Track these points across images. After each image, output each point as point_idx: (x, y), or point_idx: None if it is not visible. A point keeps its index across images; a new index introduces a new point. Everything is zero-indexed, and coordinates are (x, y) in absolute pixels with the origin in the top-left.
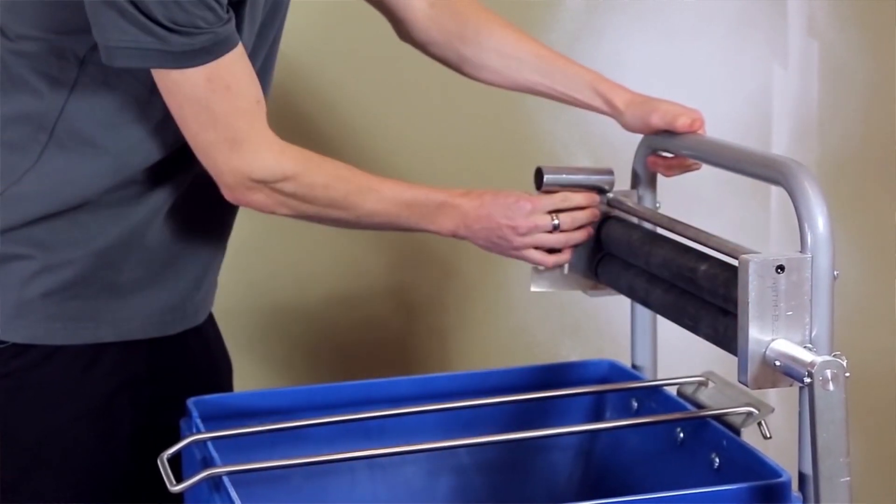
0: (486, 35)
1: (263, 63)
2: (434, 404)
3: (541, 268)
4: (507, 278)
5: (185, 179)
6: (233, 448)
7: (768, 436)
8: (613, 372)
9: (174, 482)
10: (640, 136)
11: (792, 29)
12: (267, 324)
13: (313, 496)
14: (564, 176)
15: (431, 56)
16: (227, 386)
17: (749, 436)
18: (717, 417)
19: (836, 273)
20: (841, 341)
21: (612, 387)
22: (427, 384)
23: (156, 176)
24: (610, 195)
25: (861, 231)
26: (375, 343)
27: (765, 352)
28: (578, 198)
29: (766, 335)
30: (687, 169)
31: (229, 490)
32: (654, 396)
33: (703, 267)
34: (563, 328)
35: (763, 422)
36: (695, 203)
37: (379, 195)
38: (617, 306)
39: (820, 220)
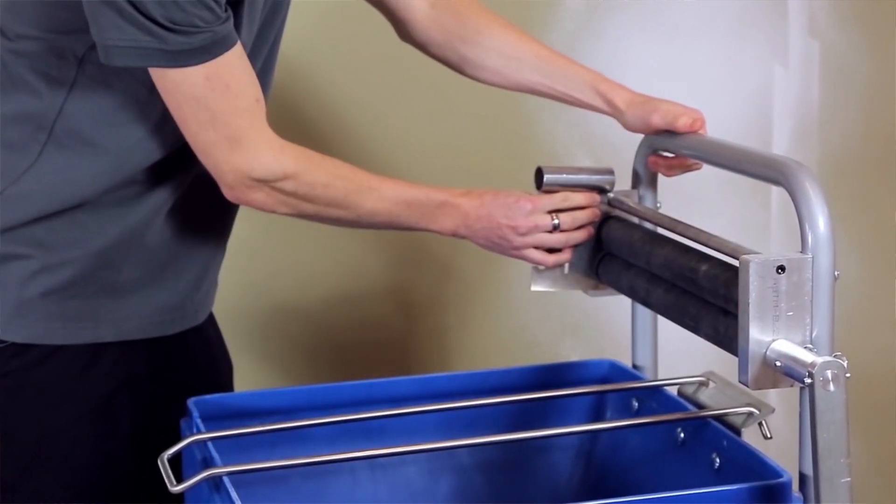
0: (487, 35)
1: (264, 63)
2: (434, 404)
3: (541, 267)
4: (507, 278)
5: (184, 179)
6: (233, 448)
7: (769, 436)
8: (614, 372)
9: (174, 482)
10: (640, 136)
11: (792, 29)
12: (267, 324)
13: (314, 496)
14: (565, 176)
15: (432, 56)
16: (227, 386)
17: (749, 436)
18: (718, 418)
19: (836, 273)
20: (841, 342)
21: (612, 387)
22: (427, 384)
23: (155, 176)
24: (611, 195)
25: (861, 231)
26: (376, 343)
27: (765, 352)
28: (579, 197)
29: (767, 335)
30: (688, 169)
31: (230, 490)
32: (654, 396)
33: (703, 267)
34: (563, 328)
35: (764, 422)
36: (695, 203)
37: (379, 194)
38: (617, 306)
39: (821, 221)
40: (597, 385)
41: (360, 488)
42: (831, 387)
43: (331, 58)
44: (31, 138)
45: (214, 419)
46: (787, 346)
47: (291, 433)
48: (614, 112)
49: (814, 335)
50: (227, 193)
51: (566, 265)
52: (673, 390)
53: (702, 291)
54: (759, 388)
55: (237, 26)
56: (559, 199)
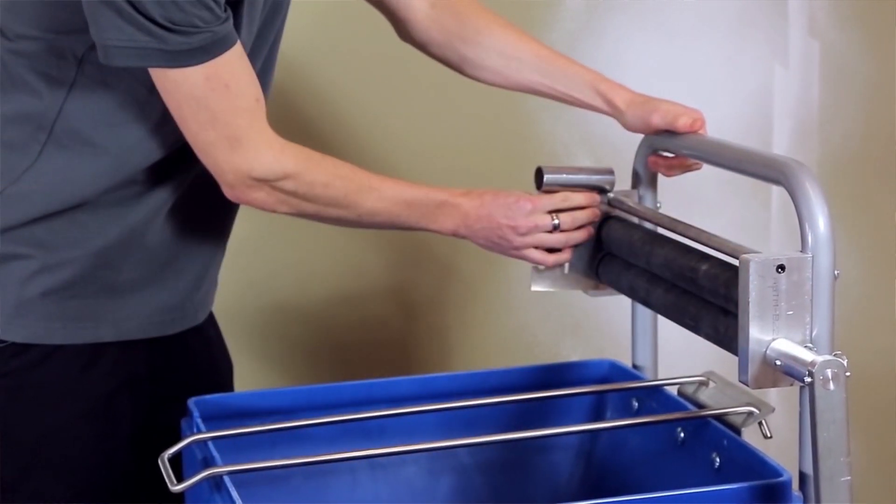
0: (487, 35)
1: (264, 64)
2: (434, 404)
3: (541, 267)
4: (507, 278)
5: (184, 179)
6: (233, 448)
7: (769, 435)
8: (614, 372)
9: (175, 482)
10: (640, 136)
11: (793, 29)
12: (267, 323)
13: (314, 496)
14: (565, 176)
15: (432, 56)
16: (227, 386)
17: (750, 435)
18: (718, 417)
19: (836, 273)
20: (841, 341)
21: (612, 386)
22: (427, 384)
23: (155, 176)
24: (611, 195)
25: (861, 231)
26: (376, 343)
27: (765, 351)
28: (579, 197)
29: (767, 335)
30: (688, 169)
31: (230, 490)
32: (654, 396)
33: (703, 267)
34: (563, 328)
35: (764, 421)
36: (695, 203)
37: (379, 194)
38: (617, 306)
39: (821, 220)
40: (597, 385)
41: (361, 488)
42: (831, 386)
43: (331, 58)
44: (30, 138)
45: (215, 419)
46: (787, 346)
47: (292, 433)
48: (614, 112)
49: (814, 334)
50: (228, 193)
51: (566, 265)
52: (673, 390)
53: (702, 291)
54: (759, 388)
55: (237, 26)
56: (559, 199)
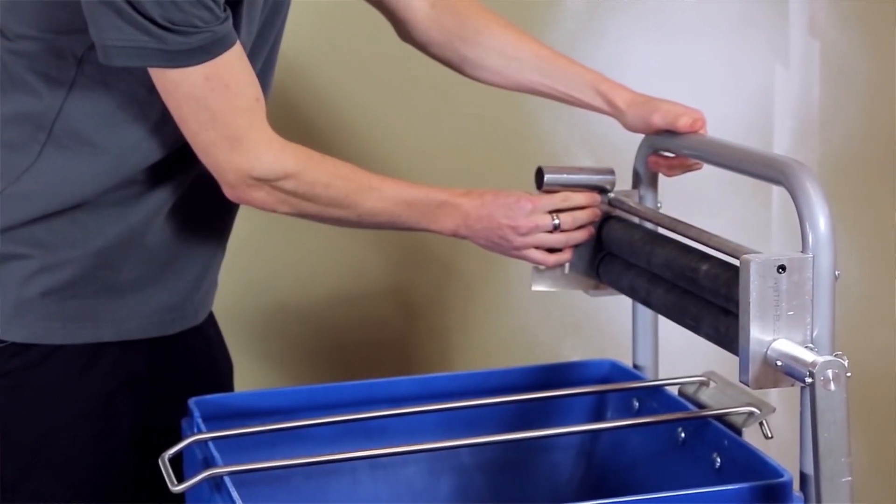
0: (487, 35)
1: (264, 64)
2: (435, 404)
3: (542, 267)
4: (508, 278)
5: (184, 179)
6: (234, 448)
7: (770, 436)
8: (615, 372)
9: (175, 482)
10: (640, 136)
11: (793, 29)
12: (267, 323)
13: (315, 496)
14: (565, 175)
15: (432, 56)
16: (227, 386)
17: (750, 436)
18: (719, 417)
19: (837, 273)
20: (842, 341)
21: (613, 387)
22: (428, 384)
23: (155, 176)
24: (611, 195)
25: (862, 231)
26: (376, 343)
27: (766, 352)
28: (579, 197)
29: (768, 335)
30: (688, 169)
31: (230, 490)
32: (655, 396)
33: (704, 267)
34: (564, 328)
35: (764, 422)
36: (696, 203)
37: (380, 194)
38: (618, 306)
39: (821, 220)
40: (597, 385)
41: (361, 488)
42: (832, 386)
43: (331, 58)
44: (30, 138)
45: (215, 419)
46: (787, 346)
47: (292, 433)
48: (615, 112)
49: (814, 335)
50: (228, 193)
51: (566, 265)
52: (674, 390)
53: (702, 291)
54: (760, 388)
55: (236, 26)
56: (559, 199)
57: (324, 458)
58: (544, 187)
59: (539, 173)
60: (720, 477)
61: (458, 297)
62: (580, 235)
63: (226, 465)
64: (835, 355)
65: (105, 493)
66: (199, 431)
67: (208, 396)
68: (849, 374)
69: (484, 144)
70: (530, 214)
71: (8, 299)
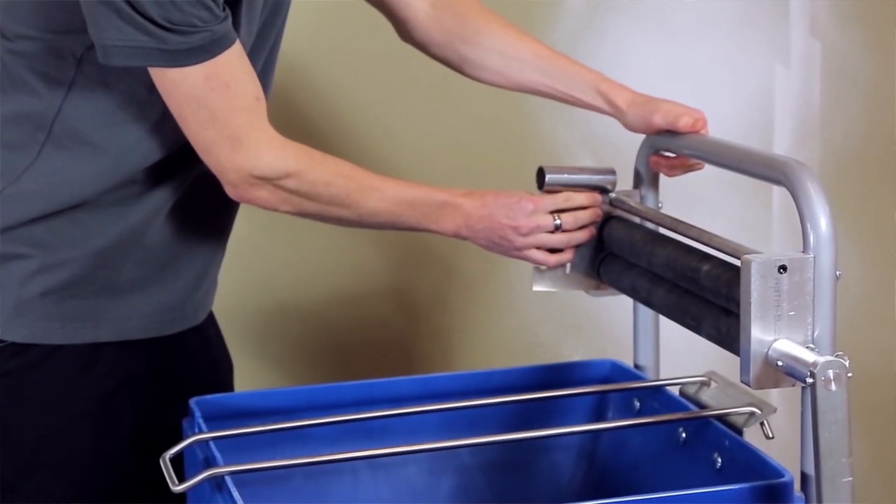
0: (488, 35)
1: (264, 64)
2: (436, 404)
3: (543, 267)
4: (508, 278)
5: (184, 180)
6: (235, 448)
7: (770, 436)
8: (616, 372)
9: (176, 482)
10: (641, 136)
11: (794, 29)
12: (268, 323)
13: (315, 496)
14: (566, 176)
15: (432, 56)
16: (227, 386)
17: (751, 436)
18: (720, 417)
19: (838, 273)
20: (843, 341)
21: (614, 387)
22: (429, 384)
23: (155, 176)
24: (612, 195)
25: (863, 231)
26: (377, 343)
27: (767, 352)
28: (581, 197)
29: (769, 335)
30: (689, 169)
31: (231, 490)
32: (656, 396)
33: (705, 267)
34: (565, 328)
35: (765, 422)
36: (697, 203)
37: (381, 194)
38: (618, 306)
39: (822, 220)
40: (598, 385)
41: (362, 488)
42: (833, 386)
43: (331, 58)
44: (29, 138)
45: (216, 419)
46: (788, 346)
47: (293, 433)
48: (616, 112)
49: (815, 335)
50: (230, 192)
51: (568, 265)
52: (675, 390)
53: (703, 291)
54: (761, 388)
55: (235, 25)
56: (561, 199)
57: (325, 458)
58: (546, 187)
59: (540, 173)
60: (721, 477)
61: (459, 297)
62: (582, 235)
63: (227, 464)
64: (836, 355)
65: (105, 493)
66: (200, 431)
67: (209, 396)
68: (850, 375)
69: (484, 144)
70: (532, 214)
71: (7, 299)
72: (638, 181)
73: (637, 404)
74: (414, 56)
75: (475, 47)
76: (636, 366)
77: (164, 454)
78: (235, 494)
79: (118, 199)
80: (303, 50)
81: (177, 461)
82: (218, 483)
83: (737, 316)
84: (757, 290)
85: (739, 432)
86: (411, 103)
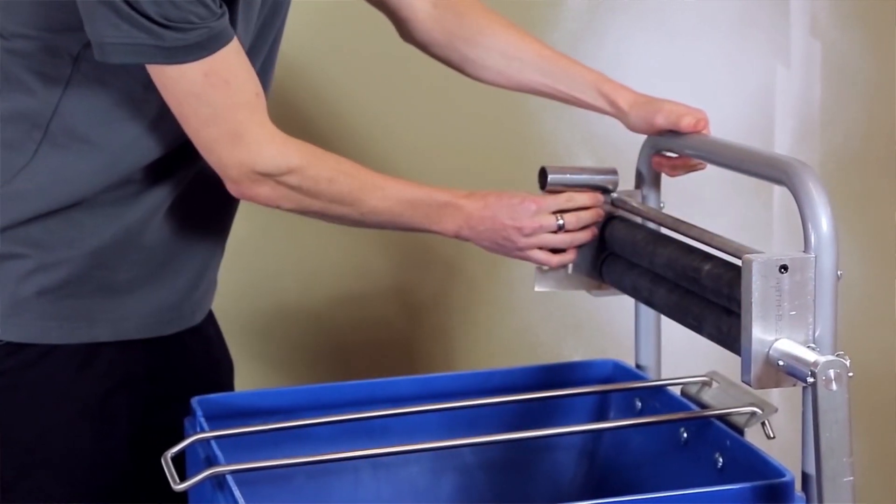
0: (489, 35)
1: (264, 63)
2: (437, 404)
3: (545, 268)
4: (510, 279)
5: (182, 179)
6: (236, 447)
7: (772, 436)
8: (617, 372)
9: (178, 481)
10: (642, 136)
11: (794, 29)
12: (269, 323)
13: (317, 495)
14: (568, 176)
15: (433, 56)
16: (227, 385)
17: (752, 436)
18: (721, 417)
19: (839, 273)
20: (843, 341)
21: (615, 386)
22: (430, 384)
23: (152, 175)
24: (614, 195)
25: (863, 230)
26: (379, 343)
27: (768, 352)
28: (583, 198)
29: (770, 335)
30: (691, 169)
31: (233, 489)
32: (657, 396)
33: (706, 267)
34: (565, 328)
35: (766, 422)
36: (698, 203)
37: (383, 192)
38: (619, 306)
39: (824, 220)
40: (600, 385)
41: (363, 488)
42: (834, 386)
43: (331, 57)
44: (26, 137)
45: (218, 418)
46: (789, 346)
47: (294, 432)
48: (617, 113)
49: (816, 334)
50: (232, 189)
51: (570, 265)
52: (676, 390)
53: (705, 291)
54: (762, 388)
55: (233, 23)
56: (564, 200)
57: (326, 458)
58: (548, 187)
59: (543, 173)
60: (722, 477)
61: (460, 297)
62: (584, 236)
63: (228, 463)
64: (836, 355)
65: (104, 493)
66: (202, 430)
67: (211, 395)
68: (850, 374)
69: (485, 145)
70: (535, 215)
71: (4, 298)
72: (640, 181)
73: (638, 404)
74: (414, 56)
75: (476, 47)
76: (637, 366)
77: (165, 453)
78: (237, 493)
79: (115, 199)
80: (303, 50)
81: (178, 460)
82: (219, 482)
83: (738, 316)
84: (758, 289)
85: (741, 432)
86: (412, 103)
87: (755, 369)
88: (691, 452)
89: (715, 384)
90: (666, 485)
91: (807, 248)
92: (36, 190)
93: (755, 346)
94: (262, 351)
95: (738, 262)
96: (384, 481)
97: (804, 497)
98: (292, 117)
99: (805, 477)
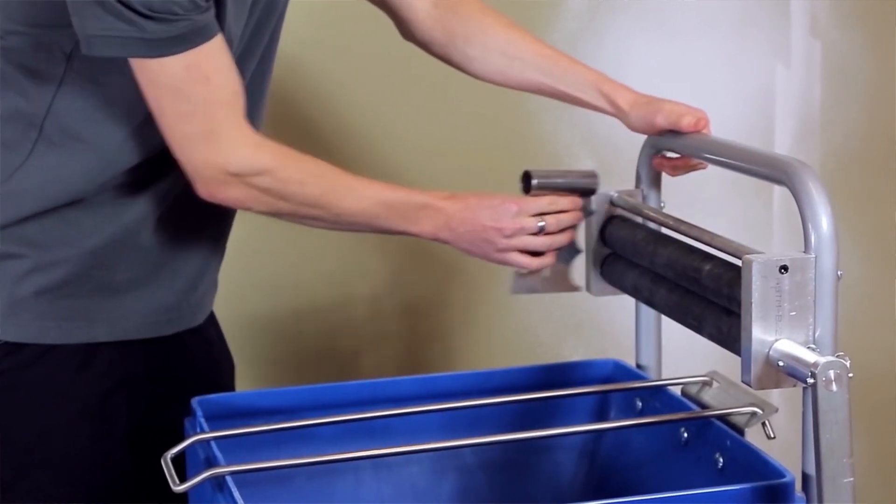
0: (490, 34)
1: (261, 62)
2: (438, 404)
3: (523, 271)
4: (510, 278)
5: (181, 178)
6: (237, 448)
7: (772, 436)
8: (618, 372)
9: (178, 482)
10: (642, 136)
11: (794, 28)
12: (269, 323)
13: (317, 496)
14: (553, 179)
15: (434, 55)
16: (228, 386)
17: (753, 436)
18: (721, 417)
19: (839, 273)
20: (843, 341)
21: (616, 386)
22: (431, 384)
23: (150, 174)
24: (614, 195)
25: (863, 230)
26: (379, 343)
27: (768, 352)
28: (564, 201)
29: (770, 335)
30: (692, 168)
31: (233, 490)
32: (658, 396)
33: (707, 267)
34: (565, 328)
35: (767, 422)
36: (698, 203)
37: (358, 194)
38: (619, 306)
39: (824, 220)
40: (600, 385)
41: (364, 488)
42: (834, 387)
43: (332, 57)
44: (22, 136)
45: (218, 418)
46: (789, 346)
47: (295, 433)
48: (618, 113)
49: (816, 335)
50: (202, 190)
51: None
52: (676, 390)
53: (705, 291)
54: (762, 388)
55: (221, 18)
56: (546, 203)
57: (327, 458)
58: (532, 191)
59: (527, 177)
60: (723, 477)
61: (460, 297)
62: (563, 238)
63: (228, 464)
64: (837, 356)
65: (103, 493)
66: (202, 431)
67: (211, 396)
68: (850, 375)
69: (485, 144)
70: (516, 216)
71: (2, 298)
72: (640, 181)
73: (639, 404)
74: (414, 55)
75: (477, 46)
76: (638, 366)
77: (165, 454)
78: (236, 494)
79: (113, 198)
80: (303, 49)
81: (178, 461)
82: (219, 483)
83: (738, 316)
84: (758, 290)
85: (741, 432)
86: (412, 102)
87: (755, 370)
88: (692, 452)
89: (715, 384)
90: (666, 485)
91: (807, 249)
92: (33, 189)
93: (755, 347)
94: (263, 350)
95: (739, 263)
96: (385, 481)
97: (804, 497)
98: (292, 117)
99: (805, 477)
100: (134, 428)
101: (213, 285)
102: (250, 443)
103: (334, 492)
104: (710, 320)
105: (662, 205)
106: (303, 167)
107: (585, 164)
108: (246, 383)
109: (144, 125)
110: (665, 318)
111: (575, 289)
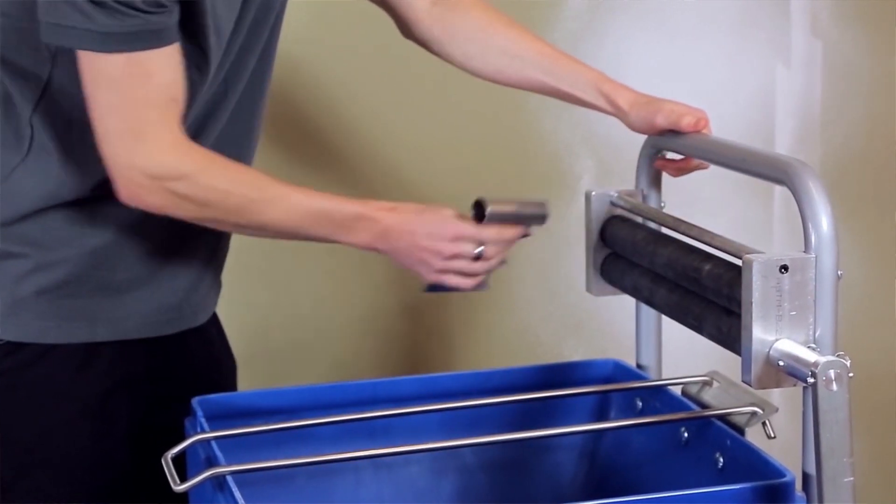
0: (490, 33)
1: (259, 61)
2: (438, 404)
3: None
4: (509, 279)
5: None
6: (237, 447)
7: (772, 436)
8: (618, 371)
9: (178, 481)
10: (643, 136)
11: (795, 28)
12: (269, 323)
13: (318, 496)
14: (504, 210)
15: (434, 53)
16: (229, 386)
17: (753, 436)
18: (722, 417)
19: (840, 273)
20: (844, 341)
21: (616, 386)
22: (431, 384)
23: None
24: (614, 194)
25: (864, 230)
26: (379, 343)
27: (768, 352)
28: (510, 234)
29: (770, 335)
30: (694, 169)
31: (233, 490)
32: (658, 396)
33: (707, 267)
34: (565, 328)
35: (767, 422)
36: (698, 202)
37: (286, 204)
38: (619, 306)
39: (824, 220)
40: (600, 385)
41: (364, 488)
42: (834, 386)
43: (331, 55)
44: (19, 134)
45: (219, 418)
46: (790, 346)
47: (295, 432)
48: (618, 113)
49: (817, 335)
50: (123, 193)
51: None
52: (677, 390)
53: (705, 291)
54: (763, 388)
55: (199, 25)
56: (493, 234)
57: (327, 458)
58: (486, 222)
59: (479, 206)
60: (723, 477)
61: (460, 297)
62: (498, 262)
63: (229, 464)
64: (837, 355)
65: (103, 493)
66: (203, 431)
67: (212, 396)
68: (851, 375)
69: (485, 143)
70: (455, 241)
71: (2, 298)
72: (640, 181)
73: (639, 404)
74: (414, 54)
75: (477, 44)
76: (638, 365)
77: (165, 454)
78: (237, 494)
79: (112, 198)
80: (303, 48)
81: (178, 461)
82: (220, 483)
83: (738, 316)
84: (758, 289)
85: (741, 432)
86: (412, 101)
87: (755, 369)
88: (692, 452)
89: (715, 384)
90: (666, 485)
91: (807, 248)
92: (31, 188)
93: (755, 346)
94: (264, 350)
95: (739, 262)
96: (385, 481)
97: (804, 497)
98: (292, 116)
99: (805, 477)
100: (134, 428)
101: (216, 285)
102: (250, 443)
103: (334, 492)
104: (711, 320)
105: (662, 205)
106: (227, 175)
107: (585, 163)
108: (245, 384)
109: None
110: (665, 318)
111: (486, 288)
